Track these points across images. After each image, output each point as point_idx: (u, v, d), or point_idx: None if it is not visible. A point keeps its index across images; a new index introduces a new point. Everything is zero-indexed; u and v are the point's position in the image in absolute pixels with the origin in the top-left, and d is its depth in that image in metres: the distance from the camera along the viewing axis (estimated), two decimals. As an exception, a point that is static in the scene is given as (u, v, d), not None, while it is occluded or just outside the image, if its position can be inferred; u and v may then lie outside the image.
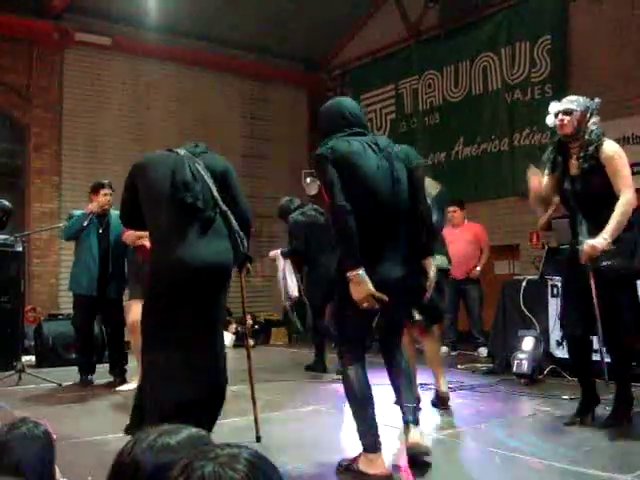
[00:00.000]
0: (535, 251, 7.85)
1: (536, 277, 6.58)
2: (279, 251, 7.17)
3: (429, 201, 3.91)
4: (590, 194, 4.06)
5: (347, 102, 3.70)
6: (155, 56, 10.31)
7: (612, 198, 3.94)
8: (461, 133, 9.90)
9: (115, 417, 4.77)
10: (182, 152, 3.69)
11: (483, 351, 7.89)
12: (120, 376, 6.41)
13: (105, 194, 6.52)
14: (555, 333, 6.25)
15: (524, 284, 6.51)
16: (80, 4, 9.52)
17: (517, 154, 9.11)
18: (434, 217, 3.96)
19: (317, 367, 6.92)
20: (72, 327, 6.71)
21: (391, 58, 10.97)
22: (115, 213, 6.73)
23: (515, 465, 3.59)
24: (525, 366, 5.96)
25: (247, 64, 11.23)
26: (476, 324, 8.31)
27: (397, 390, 3.59)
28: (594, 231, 3.95)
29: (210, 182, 3.61)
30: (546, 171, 4.29)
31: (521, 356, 6.04)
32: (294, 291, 6.96)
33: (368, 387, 3.43)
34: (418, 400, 4.11)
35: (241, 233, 3.65)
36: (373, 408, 3.39)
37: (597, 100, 4.21)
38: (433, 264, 3.54)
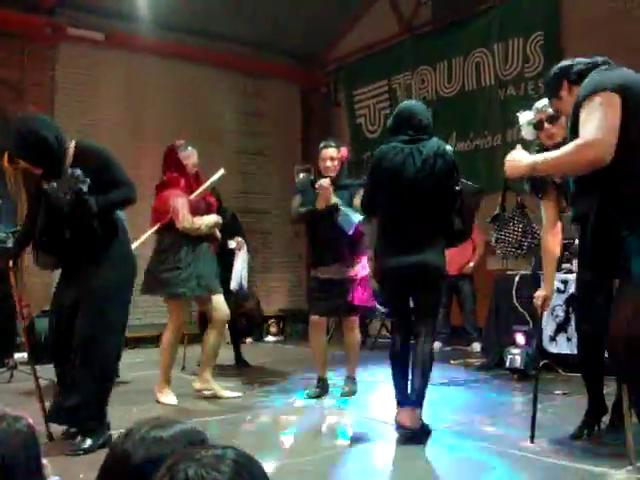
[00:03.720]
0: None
1: (529, 272, 6.60)
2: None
3: None
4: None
5: (415, 107, 4.30)
6: (149, 51, 10.25)
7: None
8: (454, 128, 9.89)
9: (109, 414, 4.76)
10: None
11: (476, 346, 7.91)
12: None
13: None
14: (548, 328, 6.28)
15: (517, 279, 6.53)
16: (72, -1, 9.48)
17: (510, 150, 9.03)
18: None
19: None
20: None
21: (384, 53, 10.94)
22: None
23: (508, 460, 3.61)
24: (518, 361, 5.99)
25: (241, 59, 11.18)
26: (469, 319, 8.34)
27: (411, 373, 4.07)
28: None
29: None
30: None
31: (514, 351, 6.06)
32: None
33: (399, 353, 4.13)
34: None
35: None
36: (400, 371, 4.09)
37: None
38: None
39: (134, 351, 8.67)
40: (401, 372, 4.11)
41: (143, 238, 5.59)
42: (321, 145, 5.59)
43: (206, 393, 5.48)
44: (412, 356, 4.07)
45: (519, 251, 3.87)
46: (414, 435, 3.95)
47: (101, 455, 1.43)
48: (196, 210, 5.41)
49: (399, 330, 4.22)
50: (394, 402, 4.15)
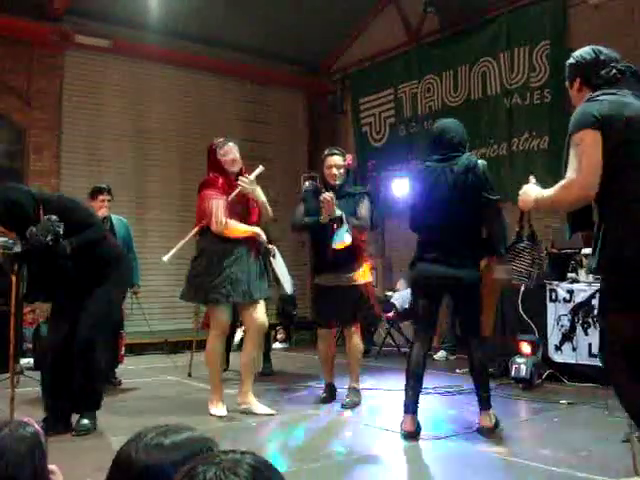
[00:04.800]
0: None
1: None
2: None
3: None
4: None
5: (446, 125, 4.56)
6: (155, 59, 10.30)
7: None
8: (460, 137, 9.89)
9: (113, 418, 4.77)
10: None
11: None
12: (114, 377, 6.46)
13: (102, 200, 6.49)
14: (553, 338, 6.27)
15: (522, 289, 6.51)
16: (80, 6, 9.51)
17: (516, 159, 9.12)
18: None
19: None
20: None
21: (391, 62, 10.97)
22: (116, 217, 6.74)
23: (513, 469, 3.61)
24: (523, 371, 5.97)
25: (247, 67, 11.21)
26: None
27: (473, 380, 4.37)
28: None
29: None
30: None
31: (519, 360, 6.05)
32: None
33: (417, 362, 4.30)
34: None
35: None
36: (414, 379, 4.27)
37: None
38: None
39: (139, 357, 8.67)
40: (416, 380, 4.30)
41: (181, 243, 5.14)
42: (326, 152, 5.53)
43: (240, 407, 5.09)
44: (470, 366, 4.37)
45: (528, 281, 4.00)
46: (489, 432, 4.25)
47: (106, 457, 1.44)
48: (232, 212, 5.01)
49: (421, 339, 4.39)
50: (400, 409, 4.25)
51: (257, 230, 5.08)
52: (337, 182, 5.38)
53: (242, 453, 1.13)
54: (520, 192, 3.39)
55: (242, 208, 5.07)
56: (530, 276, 4.00)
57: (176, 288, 10.13)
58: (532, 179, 3.42)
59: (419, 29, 10.57)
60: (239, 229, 4.99)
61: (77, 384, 4.49)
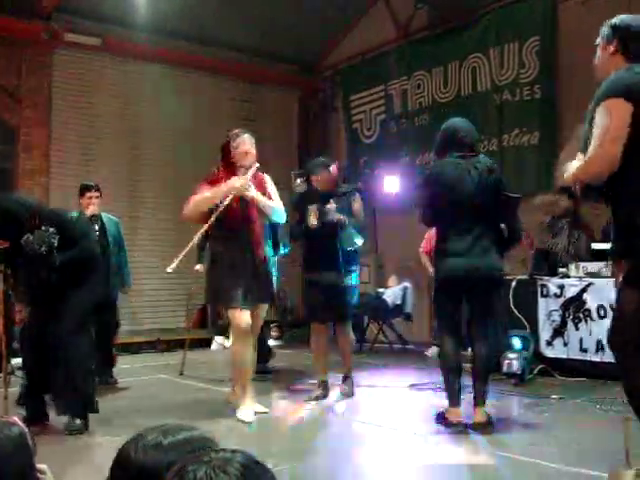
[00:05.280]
0: (524, 251, 7.89)
1: (526, 277, 6.61)
2: None
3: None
4: None
5: (458, 124, 4.57)
6: (146, 57, 10.26)
7: None
8: (450, 133, 9.91)
9: (106, 418, 4.77)
10: None
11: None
12: (110, 377, 6.45)
13: (90, 197, 6.48)
14: (545, 333, 6.30)
15: (514, 284, 6.53)
16: (70, 4, 9.46)
17: (506, 154, 9.15)
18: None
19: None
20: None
21: (381, 59, 10.97)
22: (107, 216, 6.72)
23: (505, 465, 3.62)
24: (515, 366, 6.00)
25: (238, 65, 11.19)
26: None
27: (472, 375, 4.42)
28: None
29: None
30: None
31: (511, 356, 6.07)
32: None
33: (451, 357, 4.39)
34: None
35: None
36: (453, 373, 4.37)
37: None
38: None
39: (132, 356, 8.65)
40: (457, 380, 4.39)
41: (185, 251, 4.89)
42: (310, 169, 5.77)
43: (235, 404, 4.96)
44: (473, 360, 4.43)
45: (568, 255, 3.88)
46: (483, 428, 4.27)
47: (98, 456, 1.44)
48: (229, 214, 4.75)
49: (449, 333, 4.46)
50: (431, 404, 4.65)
51: (232, 183, 4.76)
52: (328, 190, 5.59)
53: (233, 452, 1.14)
54: (564, 168, 3.22)
55: (241, 209, 4.81)
56: (567, 251, 3.95)
57: (168, 287, 10.26)
58: (580, 155, 3.07)
59: (408, 26, 10.57)
60: (206, 197, 4.76)
61: (57, 383, 4.52)
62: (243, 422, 4.67)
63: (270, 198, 4.96)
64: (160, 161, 10.44)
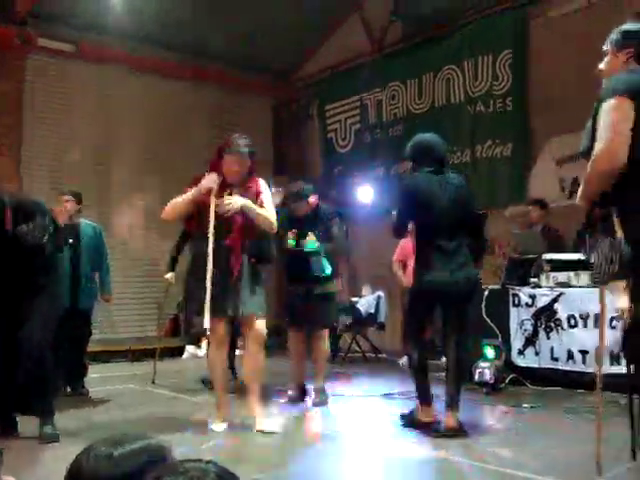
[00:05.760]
0: (497, 261, 7.96)
1: (498, 286, 6.67)
2: None
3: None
4: None
5: (432, 140, 4.76)
6: (121, 64, 10.21)
7: None
8: (424, 144, 9.98)
9: (75, 428, 4.71)
10: None
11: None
12: (82, 387, 6.37)
13: (59, 201, 6.38)
14: (516, 342, 6.34)
15: (486, 293, 6.58)
16: (45, 10, 9.37)
17: (479, 166, 9.23)
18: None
19: None
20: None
21: (356, 69, 11.01)
22: (86, 223, 6.63)
23: (476, 474, 3.63)
24: (487, 375, 6.04)
25: (214, 74, 11.17)
26: (439, 333, 8.37)
27: (446, 382, 4.55)
28: None
29: None
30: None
31: (483, 365, 6.11)
32: None
33: (419, 358, 4.60)
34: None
35: None
36: (422, 372, 4.59)
37: None
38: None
39: (103, 365, 8.56)
40: (426, 379, 4.61)
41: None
42: (290, 197, 5.87)
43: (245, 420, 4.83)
44: (447, 365, 4.59)
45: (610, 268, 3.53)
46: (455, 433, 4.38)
47: (64, 468, 1.42)
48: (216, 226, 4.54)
49: (417, 338, 4.66)
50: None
51: (204, 184, 4.55)
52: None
53: (207, 462, 1.14)
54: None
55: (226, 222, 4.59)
56: (613, 262, 3.65)
57: (139, 295, 10.18)
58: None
59: (383, 37, 10.64)
60: (178, 202, 4.63)
61: (24, 386, 4.44)
62: (271, 433, 4.56)
63: (262, 206, 4.72)
64: (133, 167, 10.38)
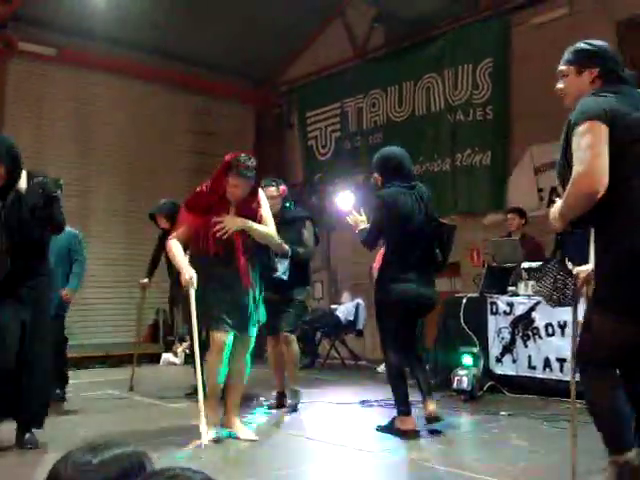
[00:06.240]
0: (476, 269, 8.00)
1: (476, 294, 6.71)
2: None
3: None
4: None
5: (401, 155, 4.84)
6: (102, 68, 10.19)
7: None
8: (404, 152, 10.03)
9: (54, 434, 4.67)
10: None
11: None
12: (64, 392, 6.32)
13: None
14: (494, 350, 6.38)
15: (464, 301, 6.62)
16: (27, 14, 9.33)
17: (458, 173, 9.28)
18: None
19: None
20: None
21: (337, 77, 11.06)
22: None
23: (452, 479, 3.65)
24: (465, 383, 6.06)
25: (195, 79, 11.17)
26: (418, 341, 8.40)
27: (417, 377, 4.78)
28: None
29: None
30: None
31: (461, 372, 6.14)
32: None
33: (398, 366, 4.70)
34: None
35: None
36: (401, 379, 4.66)
37: None
38: None
39: (80, 371, 8.48)
40: (406, 387, 4.67)
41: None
42: (262, 184, 5.43)
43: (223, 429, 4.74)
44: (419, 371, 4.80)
45: (551, 303, 3.67)
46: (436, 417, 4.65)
47: (42, 474, 1.41)
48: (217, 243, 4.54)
49: (395, 347, 4.69)
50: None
51: (182, 271, 4.50)
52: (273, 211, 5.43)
53: (192, 471, 1.14)
54: (550, 211, 3.06)
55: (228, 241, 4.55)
56: (551, 298, 3.72)
57: (117, 301, 10.11)
58: (558, 200, 2.97)
59: (365, 44, 10.70)
60: (173, 256, 4.64)
61: (24, 399, 4.40)
62: (250, 441, 4.58)
63: (261, 221, 4.69)
64: (113, 172, 10.33)
